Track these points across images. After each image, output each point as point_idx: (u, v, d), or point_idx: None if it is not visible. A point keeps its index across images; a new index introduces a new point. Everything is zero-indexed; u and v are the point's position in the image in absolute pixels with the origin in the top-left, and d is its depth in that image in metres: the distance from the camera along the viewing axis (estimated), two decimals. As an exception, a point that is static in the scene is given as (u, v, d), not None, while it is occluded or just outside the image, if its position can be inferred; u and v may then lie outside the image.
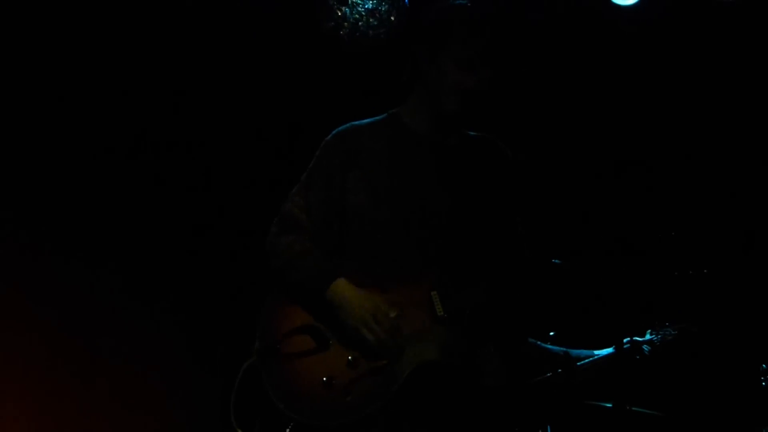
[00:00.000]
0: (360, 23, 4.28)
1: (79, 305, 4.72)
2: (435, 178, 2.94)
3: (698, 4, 4.84)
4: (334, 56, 4.63)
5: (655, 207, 5.00)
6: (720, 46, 4.99)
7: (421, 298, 2.81)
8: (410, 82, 3.00)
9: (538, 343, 4.31)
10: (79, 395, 4.66)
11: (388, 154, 2.96)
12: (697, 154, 5.13)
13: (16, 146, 4.67)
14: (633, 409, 4.06)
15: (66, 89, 4.75)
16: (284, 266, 2.89)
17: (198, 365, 4.85)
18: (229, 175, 4.95)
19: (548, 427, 4.01)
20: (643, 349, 4.35)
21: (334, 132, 3.02)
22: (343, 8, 4.31)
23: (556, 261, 3.07)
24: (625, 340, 4.36)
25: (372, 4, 4.27)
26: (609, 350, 4.46)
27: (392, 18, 4.28)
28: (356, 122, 3.04)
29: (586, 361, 4.31)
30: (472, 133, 3.07)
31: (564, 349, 4.30)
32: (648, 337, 4.41)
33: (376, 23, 4.28)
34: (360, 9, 4.28)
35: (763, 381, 4.57)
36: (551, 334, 4.34)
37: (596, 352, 4.43)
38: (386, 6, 4.30)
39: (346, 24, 4.29)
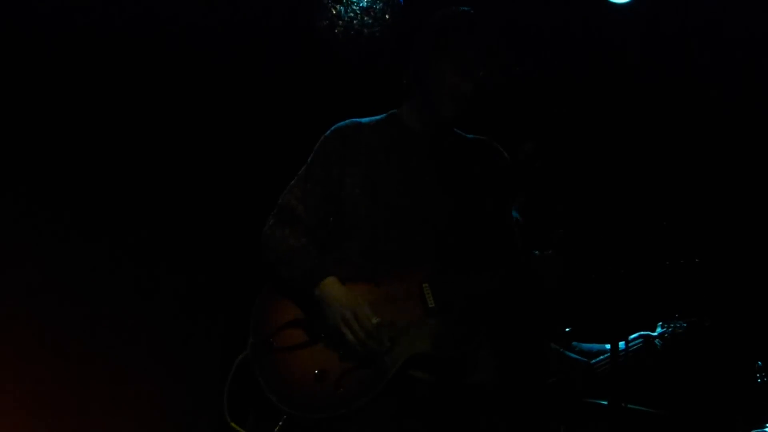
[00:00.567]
0: (354, 21, 4.30)
1: (74, 299, 4.73)
2: (431, 176, 2.97)
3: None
4: (329, 54, 4.65)
5: (649, 199, 5.01)
6: (718, 45, 5.01)
7: (414, 291, 2.83)
8: (410, 84, 3.03)
9: (561, 350, 4.31)
10: (73, 389, 4.67)
11: (385, 151, 2.98)
12: (691, 148, 5.15)
13: (8, 140, 4.69)
14: (629, 406, 4.07)
15: (64, 88, 4.77)
16: (276, 261, 2.91)
17: (194, 358, 4.86)
18: (226, 170, 4.97)
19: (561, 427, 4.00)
20: (656, 344, 4.37)
21: (333, 127, 3.05)
22: (338, 6, 4.33)
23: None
24: (636, 335, 4.38)
25: (366, 2, 4.29)
26: (602, 346, 4.48)
27: (387, 16, 4.29)
28: (356, 119, 3.07)
29: (601, 358, 4.33)
30: (469, 135, 3.10)
31: (586, 360, 4.30)
32: (659, 330, 4.42)
33: (370, 21, 4.29)
34: (354, 7, 4.30)
35: (759, 378, 4.58)
36: (567, 330, 4.33)
37: (608, 346, 4.45)
38: (381, 4, 4.31)
39: (340, 22, 4.31)
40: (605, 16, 4.96)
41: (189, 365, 4.87)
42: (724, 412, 5.04)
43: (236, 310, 3.00)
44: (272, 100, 4.93)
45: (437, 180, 2.97)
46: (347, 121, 3.06)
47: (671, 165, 5.16)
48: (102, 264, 4.81)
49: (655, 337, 4.41)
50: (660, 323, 4.46)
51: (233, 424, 2.79)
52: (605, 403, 4.26)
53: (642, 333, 4.47)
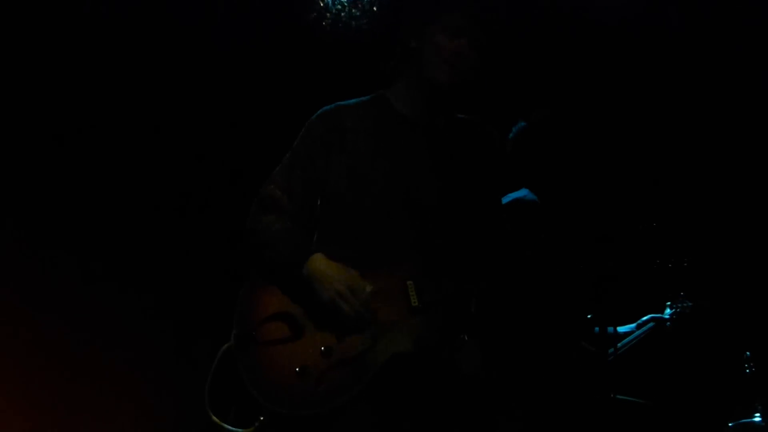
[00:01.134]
0: (342, 14, 4.28)
1: (64, 296, 4.74)
2: (420, 163, 2.92)
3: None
4: (317, 47, 4.63)
5: (640, 196, 5.01)
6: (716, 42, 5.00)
7: (397, 288, 2.79)
8: (397, 66, 2.99)
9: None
10: (61, 385, 4.69)
11: (373, 137, 2.93)
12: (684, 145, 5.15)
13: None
14: (618, 397, 4.08)
15: (62, 86, 4.77)
16: (262, 244, 2.88)
17: (181, 353, 4.87)
18: (210, 163, 4.96)
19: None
20: (666, 326, 4.39)
21: (318, 112, 3.00)
22: (326, -1, 4.33)
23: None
24: (647, 317, 4.40)
25: (354, -6, 4.28)
26: (630, 326, 4.50)
27: (374, 8, 4.28)
28: (342, 102, 3.01)
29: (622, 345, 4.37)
30: (460, 115, 3.05)
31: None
32: (668, 312, 4.44)
33: (358, 14, 4.27)
34: (342, 0, 4.28)
35: (747, 368, 4.60)
36: (588, 317, 4.34)
37: (620, 329, 4.47)
38: (368, -4, 4.30)
39: (328, 15, 4.29)
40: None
41: (177, 360, 4.88)
42: (713, 402, 5.06)
43: (225, 306, 2.99)
44: (260, 91, 4.91)
45: (426, 167, 2.92)
46: (332, 106, 3.01)
47: (664, 158, 5.17)
48: (88, 256, 4.82)
49: (666, 319, 4.43)
50: (668, 303, 4.48)
51: (215, 418, 2.78)
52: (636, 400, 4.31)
53: (653, 315, 4.50)
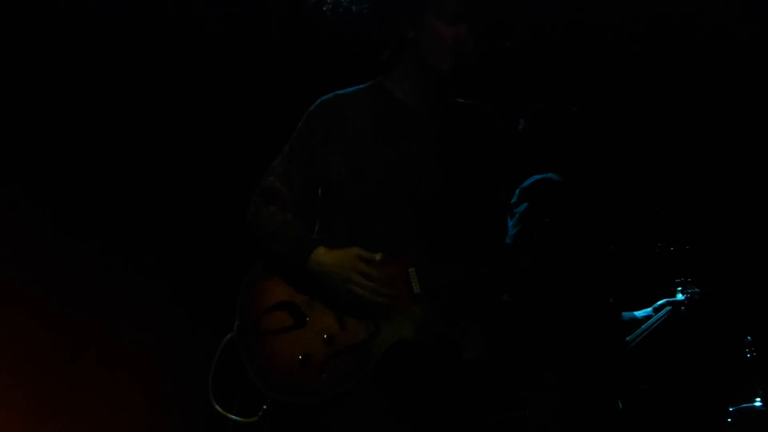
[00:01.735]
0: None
1: (67, 280, 4.75)
2: (421, 150, 2.91)
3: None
4: (317, 33, 4.61)
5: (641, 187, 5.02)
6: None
7: (399, 275, 2.79)
8: (394, 56, 2.97)
9: None
10: (65, 372, 4.70)
11: (373, 125, 2.92)
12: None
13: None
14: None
15: (60, 84, 4.76)
16: (264, 238, 2.88)
17: (186, 343, 4.88)
18: (214, 150, 4.95)
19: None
20: (681, 310, 4.41)
21: (317, 102, 2.99)
22: (326, -17, 4.28)
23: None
24: (663, 302, 4.40)
25: (355, -21, 4.23)
26: (647, 311, 4.50)
27: (375, -6, 4.24)
28: (340, 91, 3.00)
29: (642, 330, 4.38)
30: (460, 100, 3.03)
31: None
32: (681, 297, 4.45)
33: (358, -2, 4.24)
34: (342, -16, 4.24)
35: (748, 353, 4.61)
36: (611, 300, 4.34)
37: (636, 313, 4.48)
38: (369, -19, 4.26)
39: (328, 0, 4.25)
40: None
41: (182, 350, 4.89)
42: (713, 386, 5.07)
43: (226, 297, 2.99)
44: (259, 80, 4.90)
45: (427, 154, 2.90)
46: (331, 95, 3.00)
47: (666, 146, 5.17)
48: (92, 241, 4.82)
49: (681, 302, 4.44)
50: (679, 289, 4.49)
51: (218, 408, 2.79)
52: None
53: (668, 300, 4.50)
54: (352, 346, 2.74)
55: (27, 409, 4.56)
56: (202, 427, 4.41)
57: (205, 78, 4.91)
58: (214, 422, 2.85)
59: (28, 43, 4.67)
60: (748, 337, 4.65)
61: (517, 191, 3.86)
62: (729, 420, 4.55)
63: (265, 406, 2.74)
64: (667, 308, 4.50)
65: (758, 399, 4.56)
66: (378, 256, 2.77)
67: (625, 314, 4.44)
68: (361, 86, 3.03)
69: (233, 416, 2.78)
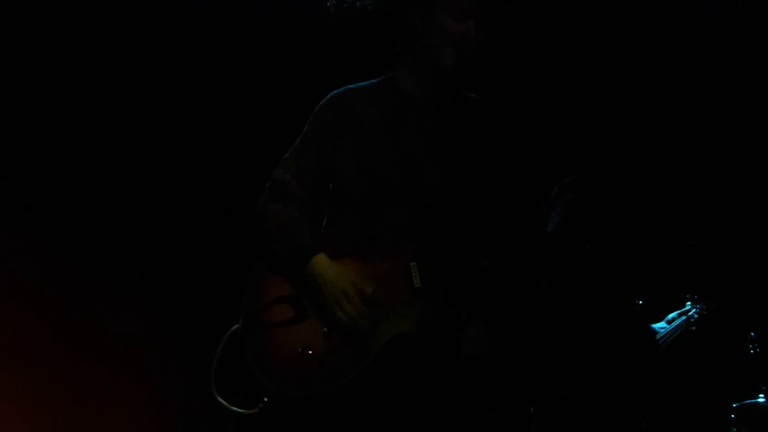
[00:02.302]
0: (347, -6, 4.24)
1: (70, 277, 4.77)
2: (430, 144, 2.93)
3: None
4: (321, 28, 4.60)
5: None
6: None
7: (400, 269, 2.81)
8: (404, 48, 2.99)
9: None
10: (69, 371, 4.73)
11: (382, 119, 2.94)
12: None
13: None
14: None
15: (59, 83, 4.78)
16: (269, 236, 2.90)
17: (190, 336, 4.90)
18: (221, 144, 4.96)
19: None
20: (692, 322, 4.41)
21: (327, 96, 3.01)
22: (330, -22, 4.28)
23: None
24: (674, 315, 4.41)
25: (359, -27, 4.23)
26: (661, 324, 4.52)
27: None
28: (351, 86, 3.03)
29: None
30: (471, 94, 3.05)
31: None
32: (694, 309, 4.46)
33: (363, -7, 4.23)
34: (347, -20, 4.24)
35: (752, 349, 4.60)
36: (639, 302, 4.35)
37: (655, 326, 4.49)
38: (373, -25, 4.25)
39: (331, -3, 4.25)
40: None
41: (186, 344, 4.92)
42: (717, 382, 5.07)
43: (230, 294, 3.01)
44: (269, 76, 4.91)
45: (435, 150, 2.92)
46: (341, 90, 3.02)
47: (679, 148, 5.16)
48: (97, 238, 4.85)
49: (692, 315, 4.45)
50: (688, 302, 4.50)
51: (220, 399, 2.81)
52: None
53: (681, 311, 4.51)
54: (351, 340, 2.75)
55: (32, 410, 4.60)
56: (204, 420, 4.45)
57: (213, 75, 4.92)
58: (215, 416, 2.86)
59: (28, 43, 4.69)
60: (752, 333, 4.64)
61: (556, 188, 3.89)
62: (732, 416, 4.55)
63: (265, 399, 2.76)
64: (682, 319, 4.50)
65: (762, 395, 4.56)
66: (370, 289, 2.77)
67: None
68: (371, 81, 3.06)
69: (234, 408, 2.79)
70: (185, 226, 5.00)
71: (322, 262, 2.82)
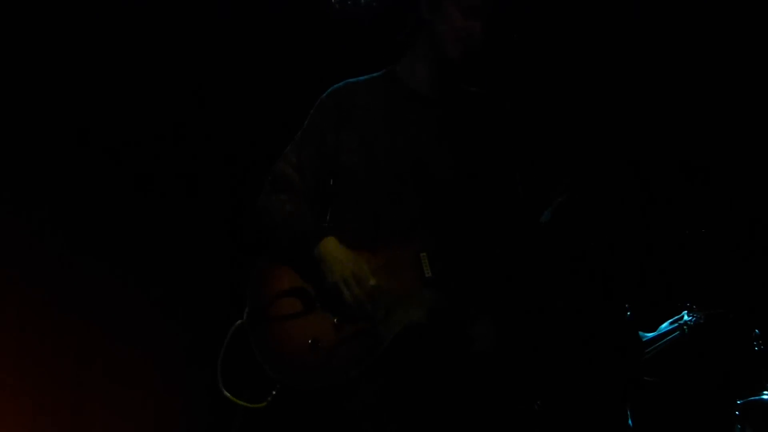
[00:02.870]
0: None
1: (71, 277, 4.75)
2: (432, 137, 2.92)
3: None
4: (326, 23, 4.62)
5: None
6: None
7: (410, 259, 2.79)
8: (408, 39, 2.99)
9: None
10: (70, 367, 4.71)
11: (384, 112, 2.94)
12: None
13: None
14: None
15: (59, 83, 4.76)
16: (275, 225, 2.89)
17: (192, 335, 4.89)
18: (220, 141, 4.95)
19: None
20: (685, 330, 4.41)
21: (329, 90, 3.01)
22: (335, -24, 4.30)
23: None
24: (670, 321, 4.40)
25: (363, -29, 4.25)
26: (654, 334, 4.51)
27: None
28: (352, 79, 3.02)
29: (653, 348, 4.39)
30: (473, 88, 3.04)
31: None
32: (690, 318, 4.45)
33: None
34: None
35: (756, 345, 4.60)
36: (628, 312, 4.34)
37: (648, 335, 4.49)
38: (377, -27, 4.27)
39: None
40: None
41: (186, 348, 4.90)
42: (721, 379, 5.06)
43: (230, 293, 2.99)
44: (270, 69, 4.90)
45: (438, 141, 2.91)
46: (342, 83, 3.02)
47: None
48: (96, 246, 4.82)
49: (686, 324, 4.44)
50: (685, 311, 4.49)
51: (227, 393, 2.78)
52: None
53: (674, 320, 4.51)
54: (361, 331, 2.73)
55: (33, 410, 4.57)
56: (206, 416, 4.43)
57: (214, 69, 4.91)
58: (221, 411, 2.84)
59: (27, 42, 4.68)
60: (756, 330, 4.63)
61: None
62: (737, 413, 4.54)
63: (274, 392, 2.73)
64: (677, 333, 4.50)
65: (766, 392, 4.55)
66: (372, 281, 2.75)
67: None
68: (372, 75, 3.05)
69: (242, 402, 2.77)
70: (185, 225, 4.97)
71: (331, 243, 2.80)
